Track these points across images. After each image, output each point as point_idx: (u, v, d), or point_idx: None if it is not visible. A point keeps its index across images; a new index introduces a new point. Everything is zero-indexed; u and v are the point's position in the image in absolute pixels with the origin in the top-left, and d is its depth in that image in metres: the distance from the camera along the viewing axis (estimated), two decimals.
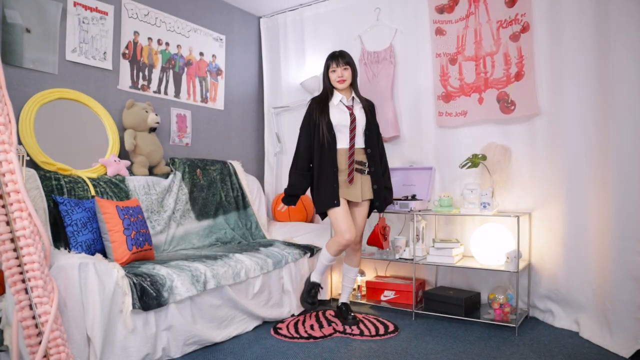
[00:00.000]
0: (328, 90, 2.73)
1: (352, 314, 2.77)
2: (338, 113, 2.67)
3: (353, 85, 2.73)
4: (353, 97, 2.73)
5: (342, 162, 2.64)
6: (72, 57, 2.77)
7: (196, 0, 3.58)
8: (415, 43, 3.27)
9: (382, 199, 2.71)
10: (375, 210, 2.80)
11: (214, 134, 3.73)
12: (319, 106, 2.68)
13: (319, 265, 2.75)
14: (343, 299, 2.86)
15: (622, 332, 2.28)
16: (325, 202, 2.62)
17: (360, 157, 2.68)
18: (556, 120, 2.71)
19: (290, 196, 2.78)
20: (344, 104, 2.69)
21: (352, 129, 2.64)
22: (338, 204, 2.59)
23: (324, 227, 3.42)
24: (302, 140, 2.73)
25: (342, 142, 2.65)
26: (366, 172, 2.69)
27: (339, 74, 2.65)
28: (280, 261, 2.80)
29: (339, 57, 2.67)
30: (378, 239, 3.05)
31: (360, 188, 2.67)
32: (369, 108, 2.76)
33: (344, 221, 2.58)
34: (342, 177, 2.64)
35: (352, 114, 2.66)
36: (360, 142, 2.69)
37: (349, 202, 2.67)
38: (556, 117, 2.71)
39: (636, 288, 2.27)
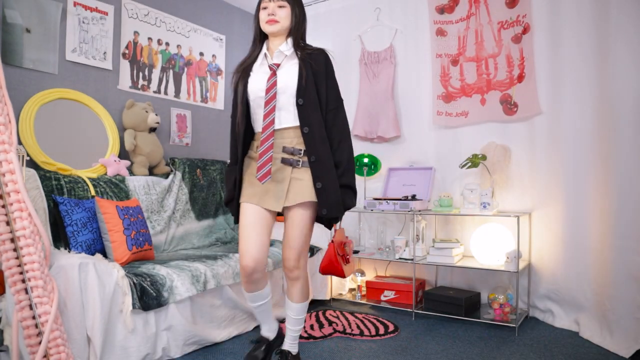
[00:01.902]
0: (257, 41, 1.88)
1: None
2: (258, 78, 1.81)
3: (295, 34, 1.83)
4: (284, 53, 1.81)
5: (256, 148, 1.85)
6: (72, 57, 2.77)
7: (196, 0, 3.58)
8: (415, 43, 3.27)
9: (330, 203, 1.76)
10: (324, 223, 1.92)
11: (214, 134, 3.72)
12: (238, 72, 1.87)
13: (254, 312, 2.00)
14: (285, 345, 1.97)
15: (622, 332, 2.28)
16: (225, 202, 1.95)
17: (290, 140, 1.80)
18: (556, 120, 2.71)
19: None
20: (267, 62, 1.83)
21: (269, 100, 1.75)
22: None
23: (323, 227, 3.40)
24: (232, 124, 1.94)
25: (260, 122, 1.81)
26: (300, 163, 1.78)
27: (270, 11, 1.78)
28: (280, 261, 2.80)
29: None
30: (334, 265, 1.99)
31: (287, 188, 1.78)
32: (315, 61, 1.79)
33: (243, 238, 1.79)
34: (252, 169, 1.83)
35: (272, 77, 1.77)
36: (288, 119, 1.79)
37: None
38: (556, 117, 2.71)
39: (636, 288, 2.26)
